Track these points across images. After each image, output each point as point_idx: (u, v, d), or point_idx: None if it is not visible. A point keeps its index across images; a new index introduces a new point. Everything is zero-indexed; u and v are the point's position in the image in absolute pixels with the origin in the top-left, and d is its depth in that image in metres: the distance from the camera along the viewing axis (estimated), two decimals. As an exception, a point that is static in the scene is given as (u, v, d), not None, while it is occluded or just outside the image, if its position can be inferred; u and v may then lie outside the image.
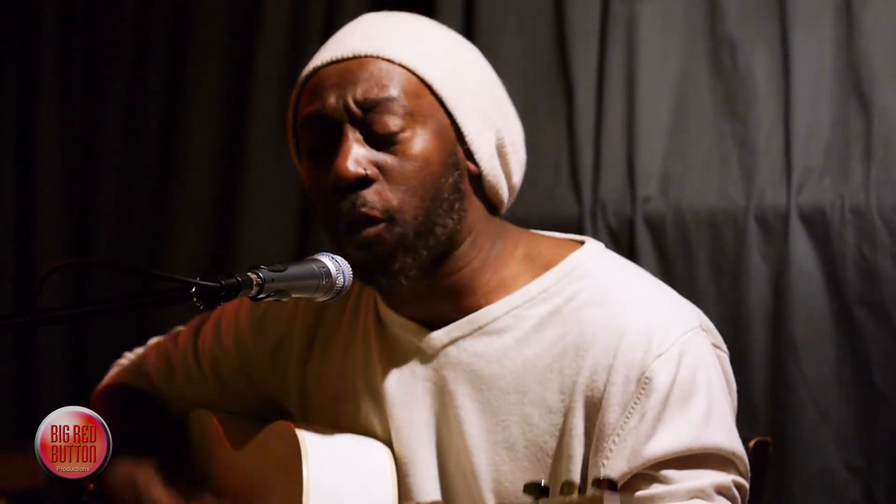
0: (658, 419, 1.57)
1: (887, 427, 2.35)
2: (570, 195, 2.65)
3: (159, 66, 3.30)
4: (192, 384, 1.97)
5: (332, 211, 1.65)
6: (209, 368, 1.95)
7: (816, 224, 2.42)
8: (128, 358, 2.09)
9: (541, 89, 2.71)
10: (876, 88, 2.39)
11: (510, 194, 1.76)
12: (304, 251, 3.03)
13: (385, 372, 1.75)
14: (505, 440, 1.67)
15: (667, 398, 1.57)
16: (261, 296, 1.51)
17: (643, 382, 1.58)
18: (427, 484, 1.71)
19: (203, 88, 3.24)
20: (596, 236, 2.59)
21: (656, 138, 2.59)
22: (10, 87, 3.39)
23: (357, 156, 1.63)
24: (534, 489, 1.33)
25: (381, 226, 1.63)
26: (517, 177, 1.76)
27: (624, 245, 2.59)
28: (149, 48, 3.31)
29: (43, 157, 3.37)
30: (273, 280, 1.51)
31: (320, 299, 1.60)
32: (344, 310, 1.82)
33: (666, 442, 1.56)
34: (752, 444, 1.76)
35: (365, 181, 1.63)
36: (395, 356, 1.75)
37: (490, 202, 1.73)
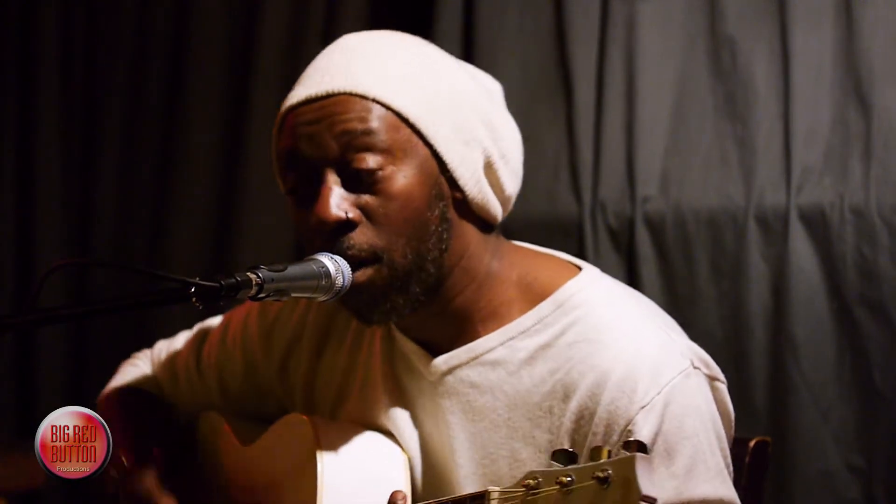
0: None
1: (887, 427, 2.35)
2: (570, 195, 2.64)
3: (159, 66, 3.30)
4: (196, 392, 1.99)
5: (318, 250, 1.62)
6: (213, 376, 1.95)
7: (816, 224, 2.41)
8: (135, 361, 2.08)
9: (541, 89, 2.71)
10: (876, 88, 2.38)
11: (504, 206, 1.72)
12: (304, 251, 3.02)
13: (388, 386, 1.74)
14: (493, 473, 1.66)
15: (649, 452, 1.55)
16: (260, 295, 1.51)
17: (626, 434, 1.56)
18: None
19: (203, 88, 3.24)
20: (596, 236, 2.58)
21: (656, 138, 2.59)
22: (11, 87, 3.40)
23: (337, 199, 1.60)
24: (562, 456, 1.33)
25: (372, 268, 1.61)
26: (511, 187, 1.72)
27: (624, 245, 2.58)
28: (149, 48, 3.32)
29: (43, 157, 3.37)
30: (273, 280, 1.51)
31: (320, 299, 1.59)
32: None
33: None
34: (752, 444, 1.76)
35: (348, 224, 1.60)
36: (399, 374, 1.75)
37: (482, 221, 1.70)
